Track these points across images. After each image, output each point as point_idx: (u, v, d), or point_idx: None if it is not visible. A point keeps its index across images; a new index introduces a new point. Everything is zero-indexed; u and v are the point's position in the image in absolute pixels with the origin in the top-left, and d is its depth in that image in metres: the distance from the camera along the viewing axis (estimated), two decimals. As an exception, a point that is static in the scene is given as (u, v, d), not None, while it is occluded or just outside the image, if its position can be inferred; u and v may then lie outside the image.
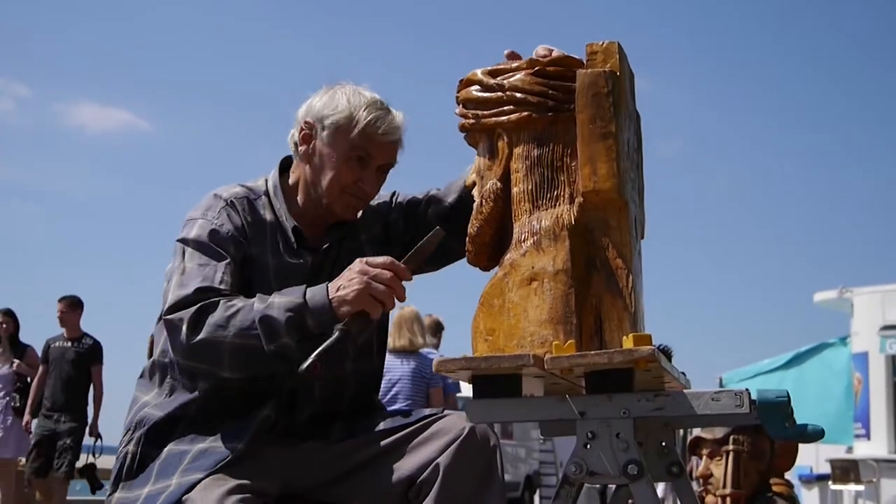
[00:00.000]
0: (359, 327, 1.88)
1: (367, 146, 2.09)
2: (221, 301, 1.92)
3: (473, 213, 1.92)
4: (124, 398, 2.15)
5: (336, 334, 1.85)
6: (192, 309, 1.91)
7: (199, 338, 1.89)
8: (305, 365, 1.81)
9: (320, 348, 1.82)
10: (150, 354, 2.23)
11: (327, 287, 1.90)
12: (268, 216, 2.13)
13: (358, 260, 1.92)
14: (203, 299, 1.93)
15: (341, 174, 2.10)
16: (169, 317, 1.94)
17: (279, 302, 1.89)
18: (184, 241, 2.05)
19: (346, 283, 1.88)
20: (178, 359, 1.98)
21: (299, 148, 2.16)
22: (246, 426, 1.98)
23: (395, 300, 1.90)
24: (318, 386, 2.09)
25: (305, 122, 2.14)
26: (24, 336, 8.52)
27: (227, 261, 2.02)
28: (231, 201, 2.10)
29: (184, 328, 1.90)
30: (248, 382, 2.00)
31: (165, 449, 1.99)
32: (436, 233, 1.96)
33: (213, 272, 1.99)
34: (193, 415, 2.02)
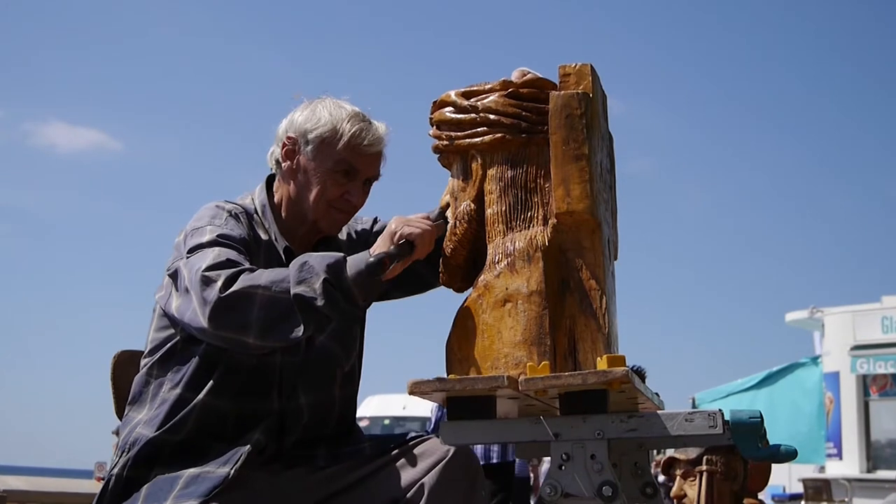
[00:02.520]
0: (403, 253, 1.90)
1: (352, 159, 2.09)
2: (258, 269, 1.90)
3: (447, 234, 1.92)
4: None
5: (401, 244, 1.91)
6: (231, 270, 1.88)
7: (232, 289, 1.84)
8: (374, 259, 1.86)
9: (386, 251, 1.89)
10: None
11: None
12: (262, 234, 2.11)
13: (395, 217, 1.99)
14: (238, 266, 1.90)
15: (327, 188, 2.09)
16: (207, 273, 1.88)
17: (319, 255, 1.89)
18: (198, 245, 1.98)
19: (385, 232, 1.95)
20: (205, 321, 1.88)
21: (282, 164, 2.14)
22: (237, 451, 1.96)
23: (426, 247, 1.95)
24: (306, 410, 2.08)
25: (288, 138, 2.12)
26: None
27: (245, 255, 1.98)
28: (235, 213, 2.08)
29: (219, 282, 1.85)
30: (238, 404, 2.00)
31: (154, 473, 1.96)
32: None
33: (239, 257, 1.95)
34: (183, 438, 1.99)
